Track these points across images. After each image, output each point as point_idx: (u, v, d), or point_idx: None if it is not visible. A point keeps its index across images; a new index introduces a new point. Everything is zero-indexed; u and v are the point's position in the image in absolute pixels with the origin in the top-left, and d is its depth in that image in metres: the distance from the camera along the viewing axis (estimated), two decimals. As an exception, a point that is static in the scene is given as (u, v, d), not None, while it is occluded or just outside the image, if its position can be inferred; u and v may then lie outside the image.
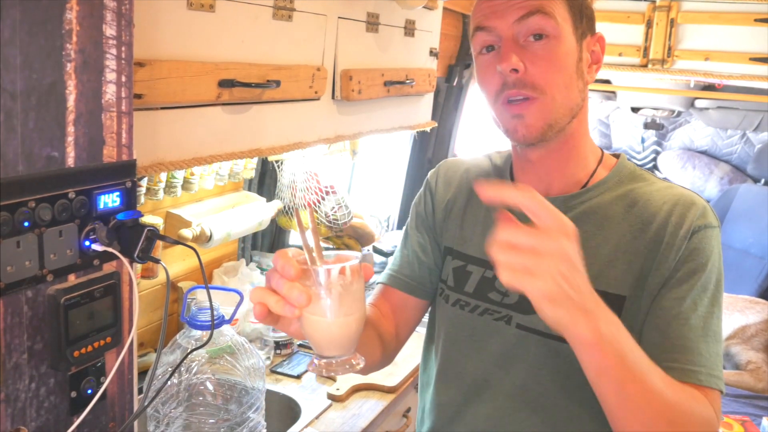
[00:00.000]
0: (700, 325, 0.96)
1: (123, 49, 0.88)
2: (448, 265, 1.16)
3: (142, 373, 1.71)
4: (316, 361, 0.80)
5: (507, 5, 1.01)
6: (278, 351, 2.10)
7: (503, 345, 1.07)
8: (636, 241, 1.01)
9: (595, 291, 0.85)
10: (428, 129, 2.16)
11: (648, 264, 1.00)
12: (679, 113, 3.99)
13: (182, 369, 1.15)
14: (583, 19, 1.04)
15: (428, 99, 2.13)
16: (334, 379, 1.96)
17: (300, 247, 0.82)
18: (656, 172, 4.29)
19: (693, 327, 0.95)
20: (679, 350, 0.94)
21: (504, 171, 1.17)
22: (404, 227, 1.26)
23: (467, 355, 1.12)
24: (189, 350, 1.10)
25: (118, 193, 0.90)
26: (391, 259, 1.27)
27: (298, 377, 1.98)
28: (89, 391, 0.91)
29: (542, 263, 0.72)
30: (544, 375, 1.05)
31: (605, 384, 0.83)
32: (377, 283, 1.25)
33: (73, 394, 0.89)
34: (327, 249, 1.84)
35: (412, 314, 1.22)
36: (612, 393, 0.83)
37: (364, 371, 1.14)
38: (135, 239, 0.89)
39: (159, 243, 0.94)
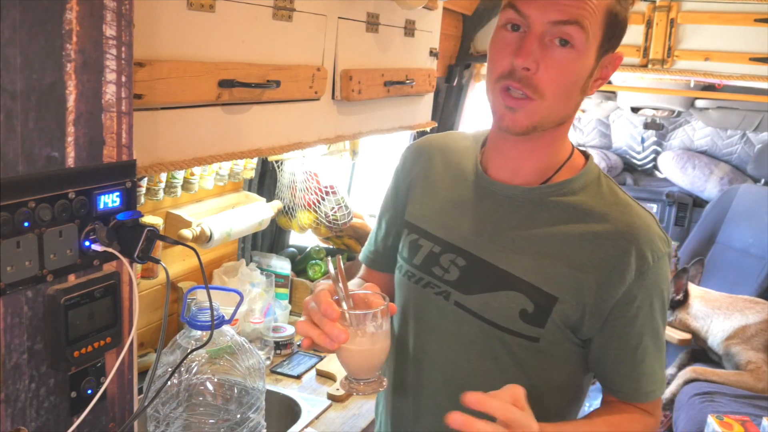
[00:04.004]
0: (656, 350, 1.09)
1: (123, 49, 0.88)
2: (405, 238, 1.19)
3: (142, 373, 1.71)
4: (348, 382, 1.01)
5: (551, 1, 0.98)
6: (278, 351, 2.10)
7: (441, 320, 1.12)
8: (582, 251, 1.04)
9: (530, 285, 1.04)
10: (428, 129, 2.16)
11: (590, 281, 1.04)
12: (679, 113, 3.99)
13: (182, 369, 1.15)
14: (614, 36, 1.03)
15: (428, 99, 2.13)
16: (334, 379, 1.96)
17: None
18: (656, 172, 4.29)
19: (651, 353, 1.08)
20: (645, 379, 1.09)
21: (475, 150, 1.18)
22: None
23: (410, 325, 1.17)
24: (189, 350, 1.10)
25: (118, 194, 0.90)
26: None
27: (298, 377, 1.98)
28: (89, 392, 0.91)
29: None
30: (474, 354, 1.10)
31: None
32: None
33: (73, 394, 0.89)
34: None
35: (392, 289, 1.26)
36: None
37: None
38: (135, 239, 0.89)
39: (159, 243, 0.94)
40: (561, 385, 1.12)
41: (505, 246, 1.08)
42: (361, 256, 1.33)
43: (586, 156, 1.14)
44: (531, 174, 1.09)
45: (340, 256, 1.04)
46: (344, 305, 0.99)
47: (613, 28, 1.01)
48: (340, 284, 1.00)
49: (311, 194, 2.27)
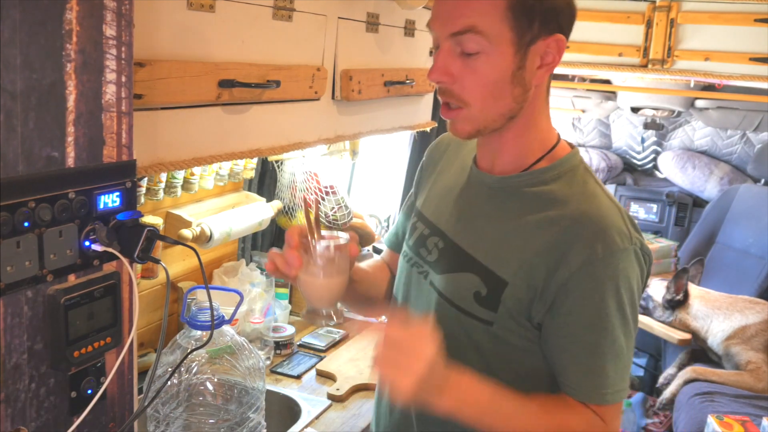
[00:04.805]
0: (611, 352, 1.04)
1: (123, 49, 0.88)
2: (410, 222, 1.28)
3: (142, 373, 1.71)
4: (307, 312, 1.09)
5: (447, 14, 1.03)
6: (278, 351, 2.10)
7: (419, 298, 1.19)
8: (538, 237, 1.05)
9: (484, 267, 1.08)
10: (428, 129, 2.16)
11: (540, 265, 1.04)
12: (679, 113, 3.99)
13: (182, 369, 1.15)
14: (534, 24, 1.01)
15: (428, 99, 2.13)
16: (334, 379, 1.96)
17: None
18: (656, 172, 4.29)
19: (603, 354, 1.04)
20: (588, 376, 1.05)
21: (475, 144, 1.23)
22: None
23: (401, 302, 1.24)
24: (189, 350, 1.10)
25: (118, 193, 0.90)
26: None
27: (298, 377, 1.98)
28: (89, 391, 0.91)
29: (411, 367, 0.94)
30: (439, 330, 1.13)
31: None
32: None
33: (73, 394, 0.89)
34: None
35: None
36: None
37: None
38: (135, 239, 0.89)
39: (159, 243, 0.94)
40: (526, 376, 1.10)
41: (475, 231, 1.13)
42: (384, 238, 1.41)
43: (572, 148, 1.16)
44: (507, 164, 1.13)
45: (318, 199, 1.10)
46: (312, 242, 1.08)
47: (526, 17, 1.01)
48: (313, 220, 1.09)
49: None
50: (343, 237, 1.11)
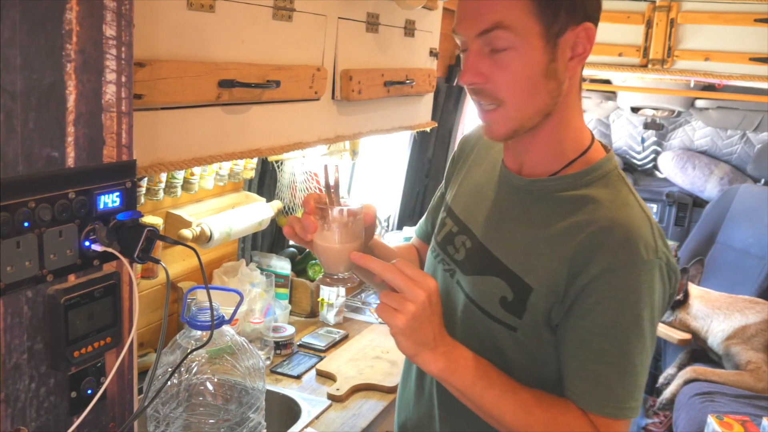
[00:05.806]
0: (618, 364, 1.01)
1: (123, 49, 0.88)
2: (440, 216, 1.28)
3: (142, 373, 1.71)
4: (323, 276, 1.11)
5: (472, 14, 1.01)
6: (278, 351, 2.10)
7: (445, 295, 1.17)
8: (565, 244, 1.03)
9: (512, 273, 1.08)
10: (428, 129, 2.16)
11: (563, 271, 1.02)
12: (679, 113, 3.99)
13: (182, 369, 1.15)
14: (560, 13, 0.99)
15: (428, 99, 2.13)
16: (334, 379, 1.96)
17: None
18: (656, 172, 4.29)
19: (609, 364, 1.01)
20: (593, 384, 1.02)
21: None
22: None
23: None
24: (189, 350, 1.10)
25: (118, 194, 0.90)
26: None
27: (298, 377, 1.98)
28: (89, 392, 0.91)
29: (404, 306, 0.96)
30: (464, 331, 1.14)
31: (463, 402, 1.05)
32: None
33: (73, 394, 0.89)
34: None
35: None
36: (471, 408, 1.05)
37: None
38: (135, 239, 0.89)
39: (159, 243, 0.94)
40: (547, 384, 1.08)
41: (504, 234, 1.11)
42: (415, 228, 1.44)
43: (607, 152, 1.12)
44: (536, 166, 1.10)
45: (338, 165, 1.12)
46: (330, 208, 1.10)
47: (552, 7, 0.99)
48: (332, 186, 1.10)
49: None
50: (358, 204, 1.12)
